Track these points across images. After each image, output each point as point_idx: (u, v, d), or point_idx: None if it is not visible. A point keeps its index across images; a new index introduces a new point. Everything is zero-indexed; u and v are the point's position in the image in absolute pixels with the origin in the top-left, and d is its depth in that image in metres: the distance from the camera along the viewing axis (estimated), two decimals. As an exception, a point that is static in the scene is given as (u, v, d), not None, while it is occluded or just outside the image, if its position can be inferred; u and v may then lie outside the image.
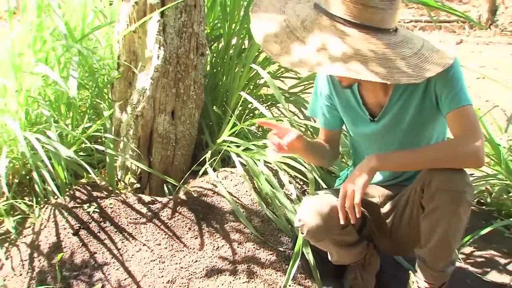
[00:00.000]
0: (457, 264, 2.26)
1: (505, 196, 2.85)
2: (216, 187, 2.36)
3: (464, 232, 1.86)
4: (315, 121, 2.19)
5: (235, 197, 2.33)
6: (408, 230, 1.96)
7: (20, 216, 2.29)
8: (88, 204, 2.29)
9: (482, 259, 2.44)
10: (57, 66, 2.43)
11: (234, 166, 2.40)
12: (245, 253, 2.19)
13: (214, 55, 2.84)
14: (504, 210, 2.77)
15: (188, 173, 2.48)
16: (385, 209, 2.04)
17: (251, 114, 2.75)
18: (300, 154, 2.04)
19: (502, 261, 2.43)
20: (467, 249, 2.46)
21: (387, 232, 2.06)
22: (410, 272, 2.02)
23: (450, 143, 1.81)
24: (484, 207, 2.80)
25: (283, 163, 2.33)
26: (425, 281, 1.91)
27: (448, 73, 1.74)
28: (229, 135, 2.45)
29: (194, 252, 2.18)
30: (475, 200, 2.87)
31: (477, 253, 2.47)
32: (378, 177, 2.09)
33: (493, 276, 2.33)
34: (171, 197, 2.39)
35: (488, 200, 2.87)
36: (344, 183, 1.75)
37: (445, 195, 1.72)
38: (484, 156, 1.74)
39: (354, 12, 1.62)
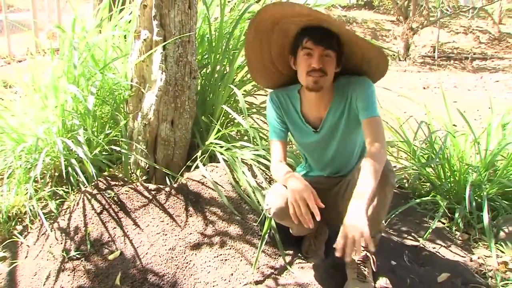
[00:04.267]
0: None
1: (417, 182, 2.89)
2: (205, 177, 2.32)
3: (389, 207, 1.87)
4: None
5: (219, 185, 2.30)
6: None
7: (60, 200, 2.26)
8: (108, 191, 2.25)
9: (401, 228, 2.45)
10: (86, 87, 2.38)
11: (219, 162, 2.36)
12: (227, 227, 2.16)
13: (203, 78, 2.80)
14: (417, 192, 2.80)
15: (184, 167, 2.44)
16: (332, 192, 2.03)
17: (231, 123, 2.72)
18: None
19: (415, 229, 2.44)
20: (391, 221, 2.47)
21: (333, 209, 2.03)
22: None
23: (378, 160, 1.70)
24: (403, 190, 2.82)
25: (256, 160, 2.30)
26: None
27: (367, 91, 1.82)
28: (215, 138, 2.41)
29: (188, 227, 2.15)
30: (398, 185, 2.88)
31: (398, 224, 2.49)
32: (325, 172, 2.08)
33: (409, 240, 2.34)
34: (171, 185, 2.34)
35: (406, 185, 2.91)
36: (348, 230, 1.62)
37: None
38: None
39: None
